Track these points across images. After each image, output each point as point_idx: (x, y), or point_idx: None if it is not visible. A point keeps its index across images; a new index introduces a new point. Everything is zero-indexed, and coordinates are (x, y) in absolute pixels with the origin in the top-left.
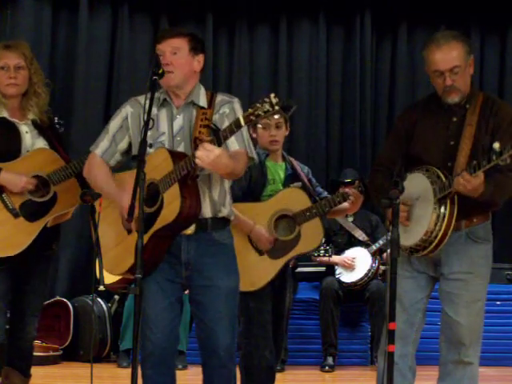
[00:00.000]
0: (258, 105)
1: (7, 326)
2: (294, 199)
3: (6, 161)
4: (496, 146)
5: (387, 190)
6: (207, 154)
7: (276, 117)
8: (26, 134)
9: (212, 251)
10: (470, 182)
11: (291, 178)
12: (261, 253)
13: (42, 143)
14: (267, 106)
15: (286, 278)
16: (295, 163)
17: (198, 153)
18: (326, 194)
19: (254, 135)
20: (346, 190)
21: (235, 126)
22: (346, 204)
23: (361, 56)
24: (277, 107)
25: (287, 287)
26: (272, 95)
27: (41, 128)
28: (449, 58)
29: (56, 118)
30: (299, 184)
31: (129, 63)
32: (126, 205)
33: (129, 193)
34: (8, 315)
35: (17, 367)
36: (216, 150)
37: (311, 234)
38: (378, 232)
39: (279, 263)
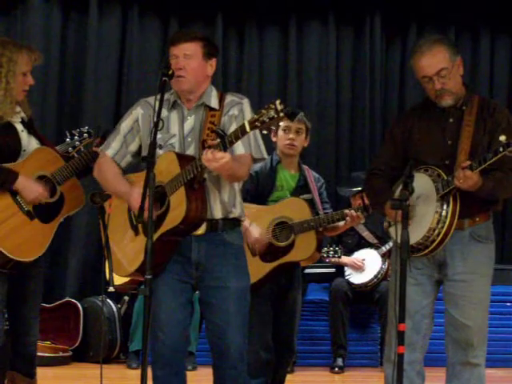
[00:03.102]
0: (263, 111)
1: (7, 327)
2: (297, 209)
3: (7, 161)
4: (502, 138)
5: (389, 194)
6: (216, 159)
7: (297, 123)
8: (22, 133)
9: (222, 252)
10: (472, 178)
11: (302, 189)
12: (253, 254)
13: (34, 141)
14: (272, 112)
15: (293, 279)
16: (310, 175)
17: (206, 156)
18: (329, 211)
19: (274, 139)
20: (346, 211)
21: (240, 132)
22: (341, 223)
23: (370, 57)
24: (282, 114)
25: (295, 288)
26: (277, 101)
27: (28, 126)
28: (434, 62)
29: (86, 128)
30: (309, 196)
31: (138, 64)
32: (135, 201)
33: (138, 188)
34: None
35: (22, 371)
36: (226, 157)
37: (304, 245)
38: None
39: (268, 267)
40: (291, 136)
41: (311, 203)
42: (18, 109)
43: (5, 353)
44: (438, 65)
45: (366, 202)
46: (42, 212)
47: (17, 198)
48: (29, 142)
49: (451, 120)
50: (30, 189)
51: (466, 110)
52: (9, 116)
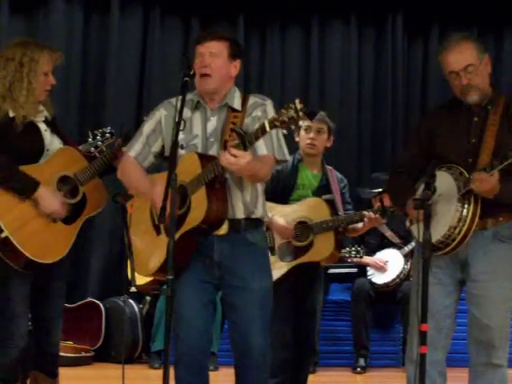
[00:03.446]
0: (283, 110)
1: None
2: (316, 209)
3: (30, 160)
4: None
5: (411, 191)
6: (235, 160)
7: (318, 122)
8: (45, 132)
9: (245, 252)
10: (488, 181)
11: (324, 189)
12: (272, 252)
13: (57, 141)
14: (292, 112)
15: (314, 279)
16: (333, 175)
17: (224, 157)
18: (351, 212)
19: (297, 139)
20: (364, 212)
21: (261, 132)
22: (360, 224)
23: (392, 57)
24: (301, 113)
25: (316, 288)
26: (297, 101)
27: (51, 125)
28: (461, 58)
29: (109, 128)
30: (331, 196)
31: (160, 64)
32: (157, 198)
33: (160, 187)
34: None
35: (45, 371)
36: (246, 157)
37: (322, 246)
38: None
39: (287, 266)
40: (312, 135)
41: (332, 204)
42: (41, 108)
43: (28, 353)
44: (465, 61)
45: (385, 203)
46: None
47: None
48: (52, 142)
49: (476, 119)
50: (49, 202)
51: (491, 109)
52: (32, 115)
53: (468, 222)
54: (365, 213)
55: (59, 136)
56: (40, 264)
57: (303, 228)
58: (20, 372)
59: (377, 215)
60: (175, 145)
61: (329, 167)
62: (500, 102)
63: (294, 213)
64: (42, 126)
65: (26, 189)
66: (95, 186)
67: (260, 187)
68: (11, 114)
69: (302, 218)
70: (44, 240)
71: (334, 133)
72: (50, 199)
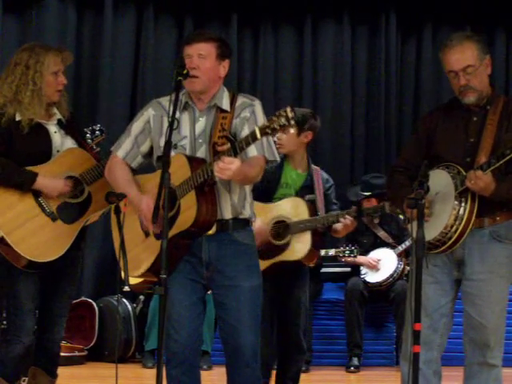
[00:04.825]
0: (274, 118)
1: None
2: (295, 209)
3: (38, 162)
4: None
5: (408, 190)
6: (227, 168)
7: None
8: (55, 134)
9: (233, 251)
10: (482, 179)
11: (307, 189)
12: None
13: (70, 142)
14: (283, 120)
15: (297, 278)
16: (318, 175)
17: (217, 167)
18: (336, 213)
19: None
20: (340, 214)
21: (251, 139)
22: (338, 225)
23: (386, 56)
24: (292, 121)
25: (299, 286)
26: (288, 109)
27: (66, 127)
28: (461, 58)
29: (98, 126)
30: (313, 197)
31: (153, 64)
32: (145, 208)
33: (148, 196)
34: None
35: (44, 368)
36: (234, 165)
37: (298, 245)
38: (405, 234)
39: (264, 264)
40: (277, 135)
41: (313, 204)
42: (54, 110)
43: (31, 353)
44: (465, 61)
45: (364, 205)
46: (67, 212)
47: (39, 199)
48: (63, 143)
49: (475, 119)
50: (52, 186)
51: (490, 110)
52: (39, 117)
53: (464, 220)
54: (340, 214)
55: (74, 137)
56: (44, 263)
57: (282, 227)
58: (22, 370)
59: (351, 218)
60: (169, 144)
61: (315, 167)
62: (499, 103)
63: (275, 211)
64: (52, 128)
65: (24, 182)
66: (102, 185)
67: (248, 188)
68: (18, 118)
69: (281, 217)
70: (41, 239)
71: (328, 131)
72: (51, 182)
